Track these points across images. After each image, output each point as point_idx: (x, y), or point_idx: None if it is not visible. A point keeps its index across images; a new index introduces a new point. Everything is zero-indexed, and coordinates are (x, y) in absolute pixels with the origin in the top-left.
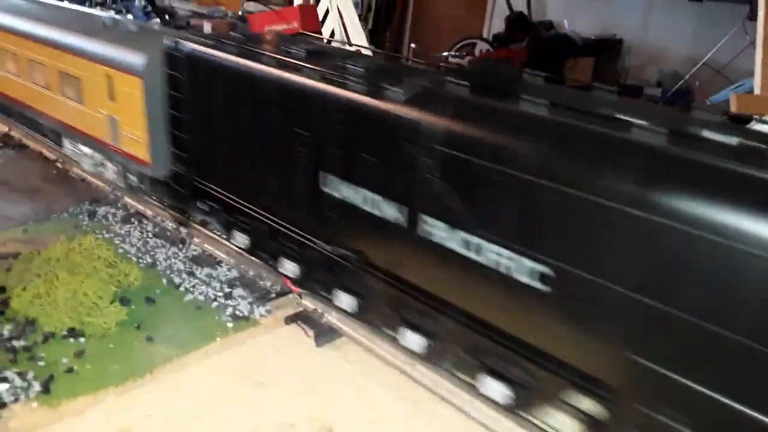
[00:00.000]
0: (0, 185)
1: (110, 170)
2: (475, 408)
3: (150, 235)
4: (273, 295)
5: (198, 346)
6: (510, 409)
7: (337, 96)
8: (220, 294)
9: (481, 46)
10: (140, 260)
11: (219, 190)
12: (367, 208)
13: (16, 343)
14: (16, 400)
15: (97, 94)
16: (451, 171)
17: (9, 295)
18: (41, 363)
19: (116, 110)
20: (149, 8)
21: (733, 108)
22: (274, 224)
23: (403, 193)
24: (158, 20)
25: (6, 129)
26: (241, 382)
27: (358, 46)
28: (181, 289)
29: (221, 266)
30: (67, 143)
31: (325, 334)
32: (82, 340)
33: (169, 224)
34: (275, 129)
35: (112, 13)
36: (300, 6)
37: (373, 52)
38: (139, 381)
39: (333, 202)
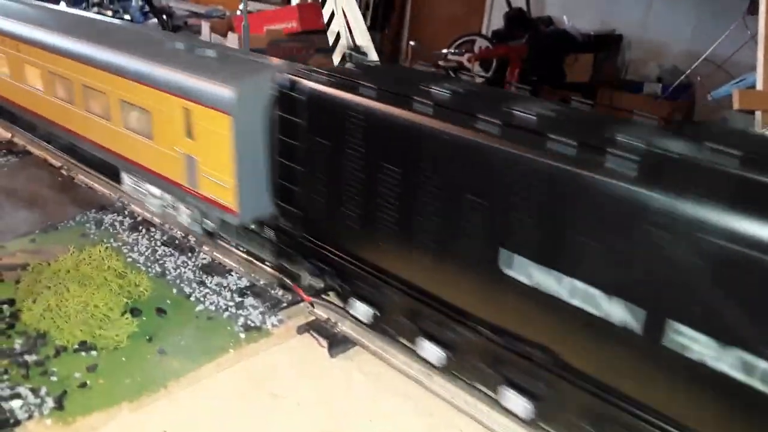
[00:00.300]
0: (5, 194)
1: (183, 214)
2: (493, 420)
3: (158, 243)
4: (285, 304)
5: (211, 358)
6: None
7: (536, 162)
8: (231, 303)
9: (480, 43)
10: (149, 269)
11: (338, 252)
12: (575, 302)
13: (29, 358)
14: (30, 417)
15: (171, 130)
16: (729, 271)
17: (19, 307)
18: (54, 378)
19: (195, 149)
20: (146, 8)
21: (736, 104)
22: (413, 299)
23: (641, 291)
24: (156, 21)
25: (9, 135)
26: (255, 395)
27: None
28: (192, 299)
29: (231, 275)
30: (127, 179)
31: (338, 344)
32: (94, 353)
33: (178, 232)
34: (431, 191)
35: (183, 40)
36: (298, 5)
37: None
38: (154, 395)
39: (518, 287)
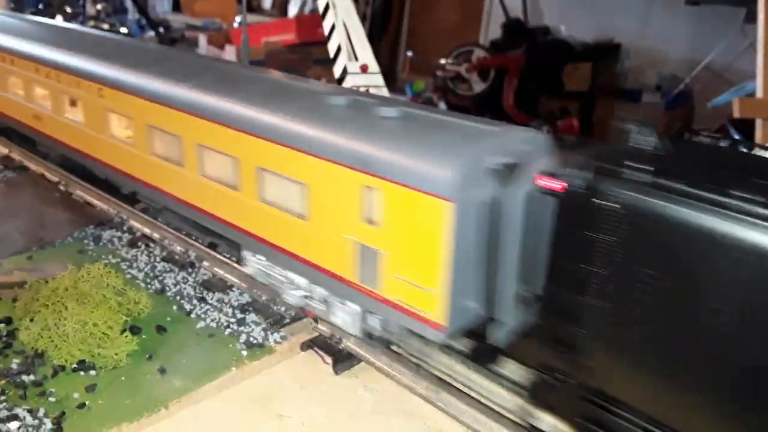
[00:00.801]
0: (3, 210)
1: (339, 312)
2: None
3: (158, 259)
4: (287, 320)
5: (213, 377)
6: None
7: None
8: (233, 320)
9: (478, 53)
10: (149, 286)
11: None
12: None
13: (26, 378)
14: None
15: (338, 211)
16: None
17: (16, 326)
18: (52, 399)
19: (380, 239)
20: (143, 21)
21: (736, 113)
22: None
23: None
24: (153, 33)
25: (6, 151)
26: (260, 415)
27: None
28: (193, 315)
29: (232, 290)
30: (252, 259)
31: (343, 360)
32: (93, 373)
33: (178, 247)
34: None
35: (342, 92)
36: (296, 17)
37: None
38: (154, 416)
39: None
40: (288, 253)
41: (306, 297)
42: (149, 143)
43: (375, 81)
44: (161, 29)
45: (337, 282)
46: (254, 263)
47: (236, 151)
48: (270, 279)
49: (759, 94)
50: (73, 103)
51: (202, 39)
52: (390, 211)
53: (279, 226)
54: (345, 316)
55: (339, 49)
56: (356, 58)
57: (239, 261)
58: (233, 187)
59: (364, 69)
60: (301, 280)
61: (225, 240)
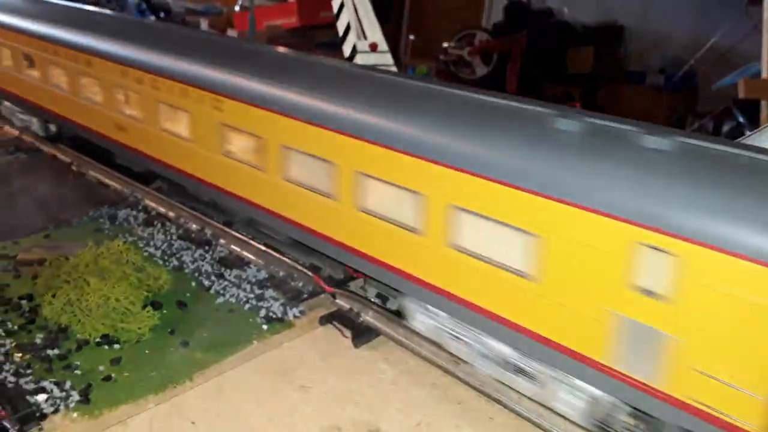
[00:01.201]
0: (17, 190)
1: (562, 396)
2: (524, 407)
3: (174, 237)
4: (305, 296)
5: (235, 350)
6: None
7: None
8: (252, 296)
9: (481, 37)
10: (167, 263)
11: None
12: None
13: (51, 352)
14: (56, 410)
15: (588, 274)
16: None
17: (38, 302)
18: (78, 372)
19: (665, 318)
20: (144, 6)
21: (742, 93)
22: None
23: None
24: (153, 18)
25: (17, 133)
26: (282, 386)
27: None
28: (212, 291)
29: (250, 267)
30: (424, 319)
31: (362, 334)
32: (117, 346)
33: (194, 225)
34: None
35: (571, 116)
36: (298, 0)
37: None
38: (179, 387)
39: None
40: (496, 316)
41: (506, 369)
42: (284, 166)
43: (385, 60)
44: (162, 14)
45: (579, 363)
46: (424, 322)
47: (425, 188)
48: (444, 338)
49: (764, 74)
50: (172, 114)
51: (204, 23)
52: (690, 282)
53: (485, 284)
54: (574, 401)
55: (348, 28)
56: (365, 37)
57: (400, 314)
58: (416, 230)
59: (373, 47)
60: (503, 349)
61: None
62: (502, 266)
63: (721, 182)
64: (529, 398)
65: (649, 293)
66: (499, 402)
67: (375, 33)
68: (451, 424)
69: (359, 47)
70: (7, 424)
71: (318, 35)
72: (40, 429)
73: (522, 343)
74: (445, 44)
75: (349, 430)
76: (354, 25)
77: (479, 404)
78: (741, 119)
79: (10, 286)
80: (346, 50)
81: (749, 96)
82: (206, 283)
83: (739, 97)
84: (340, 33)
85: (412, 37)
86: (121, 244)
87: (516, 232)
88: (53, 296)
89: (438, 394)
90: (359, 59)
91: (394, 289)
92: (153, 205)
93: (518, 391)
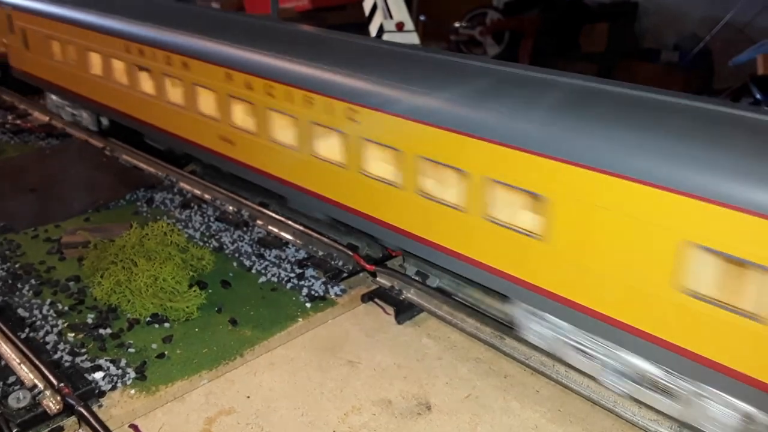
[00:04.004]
0: (53, 175)
1: (712, 415)
2: (571, 380)
3: (212, 219)
4: (345, 274)
5: (282, 327)
6: None
7: None
8: (293, 275)
9: (492, 16)
10: (206, 244)
11: None
12: None
13: (103, 331)
14: (114, 387)
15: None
16: None
17: (85, 283)
18: (131, 350)
19: None
20: None
21: (761, 69)
22: None
23: None
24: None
25: (47, 119)
26: (331, 361)
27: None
28: (253, 271)
29: (289, 247)
30: (532, 320)
31: (404, 310)
32: (167, 325)
33: (230, 207)
34: None
35: None
36: None
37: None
38: (231, 363)
39: None
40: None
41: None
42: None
43: (411, 39)
44: None
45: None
46: (542, 330)
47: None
48: (565, 351)
49: None
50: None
51: (215, 6)
52: None
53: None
54: (725, 419)
55: (374, 8)
56: (391, 17)
57: (442, 291)
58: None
59: (399, 27)
60: (642, 364)
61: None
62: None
63: None
64: (576, 370)
65: None
66: (544, 375)
67: (401, 12)
68: (499, 396)
69: (386, 27)
70: (71, 401)
71: (328, 18)
72: (100, 406)
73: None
74: (456, 24)
75: (399, 403)
76: (380, 4)
77: (524, 377)
78: (758, 96)
79: (56, 269)
80: (373, 30)
81: None
82: (247, 263)
83: (758, 74)
84: (366, 13)
85: (422, 17)
86: (165, 225)
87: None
88: (102, 277)
89: (484, 368)
90: (386, 39)
91: (434, 266)
92: (188, 187)
93: (567, 364)
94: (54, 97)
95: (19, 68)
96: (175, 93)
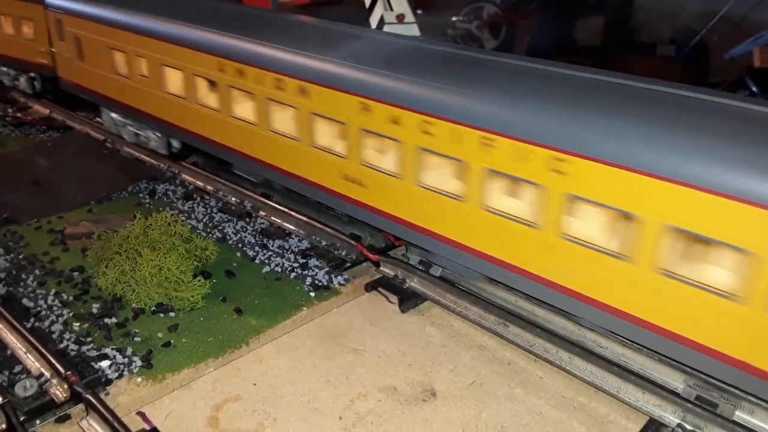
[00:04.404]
0: (55, 167)
1: None
2: (575, 366)
3: (214, 210)
4: (349, 264)
5: (286, 315)
6: None
7: None
8: (296, 265)
9: (489, 9)
10: (210, 235)
11: None
12: None
13: (108, 321)
14: (120, 375)
15: None
16: None
17: (90, 274)
18: (137, 339)
19: None
20: None
21: (757, 61)
22: None
23: None
24: None
25: (47, 111)
26: (336, 349)
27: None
28: (257, 261)
29: (292, 237)
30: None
31: (408, 299)
32: (172, 314)
33: (233, 198)
34: None
35: None
36: None
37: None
38: (237, 351)
39: None
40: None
41: None
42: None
43: (411, 30)
44: None
45: None
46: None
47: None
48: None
49: None
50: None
51: None
52: None
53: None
54: None
55: (374, 2)
56: (391, 8)
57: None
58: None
59: (400, 19)
60: None
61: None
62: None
63: None
64: (579, 358)
65: None
66: (548, 361)
67: (402, 4)
68: (503, 383)
69: (386, 18)
70: (78, 389)
71: (327, 13)
72: (107, 394)
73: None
74: (453, 18)
75: (405, 389)
76: None
77: (528, 364)
78: (754, 88)
79: (60, 259)
80: (373, 22)
81: (766, 64)
82: (250, 253)
83: (755, 66)
84: (367, 4)
85: (419, 11)
86: (168, 215)
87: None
88: (106, 267)
89: (488, 356)
90: (386, 30)
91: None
92: (190, 179)
93: (568, 351)
94: (114, 115)
95: (70, 80)
96: (283, 122)
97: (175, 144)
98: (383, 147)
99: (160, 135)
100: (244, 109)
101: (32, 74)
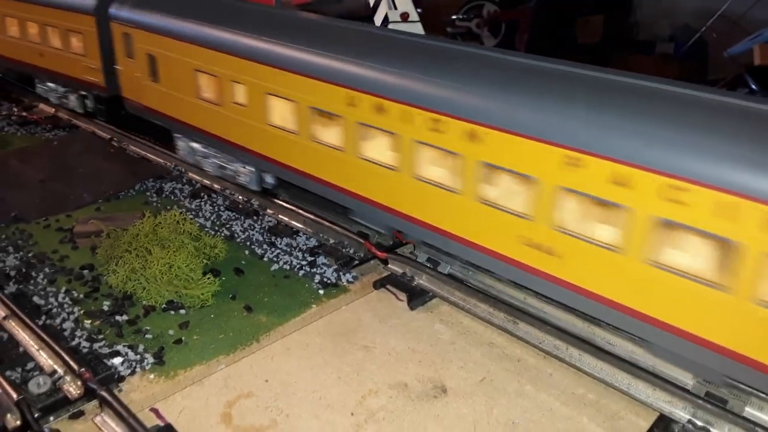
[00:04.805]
0: (62, 166)
1: None
2: (585, 363)
3: (222, 208)
4: (357, 261)
5: (296, 313)
6: None
7: None
8: (305, 263)
9: (489, 8)
10: (218, 233)
11: None
12: None
13: (119, 318)
14: (133, 372)
15: None
16: None
17: (100, 272)
18: (149, 336)
19: None
20: None
21: (757, 59)
22: None
23: None
24: None
25: (52, 111)
26: (346, 346)
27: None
28: (265, 259)
29: (300, 235)
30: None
31: (417, 296)
32: (182, 312)
33: (240, 197)
34: None
35: None
36: None
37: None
38: (248, 348)
39: None
40: None
41: None
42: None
43: (415, 29)
44: None
45: None
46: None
47: None
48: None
49: None
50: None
51: None
52: None
53: None
54: None
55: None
56: (395, 7)
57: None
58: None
59: (404, 17)
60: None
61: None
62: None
63: None
64: (589, 355)
65: None
66: (558, 358)
67: (406, 2)
68: (513, 380)
69: (391, 17)
70: (92, 386)
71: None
72: (120, 390)
73: None
74: (453, 16)
75: (415, 386)
76: None
77: (537, 361)
78: (754, 86)
79: (70, 257)
80: (378, 20)
81: (765, 62)
82: (259, 251)
83: (755, 63)
84: (371, 3)
85: (419, 9)
86: (177, 214)
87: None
88: (116, 265)
89: (497, 353)
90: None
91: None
92: (197, 177)
93: (578, 349)
94: (195, 144)
95: (138, 102)
96: (436, 170)
97: (269, 180)
98: (593, 212)
99: (252, 169)
100: (378, 150)
101: (83, 92)
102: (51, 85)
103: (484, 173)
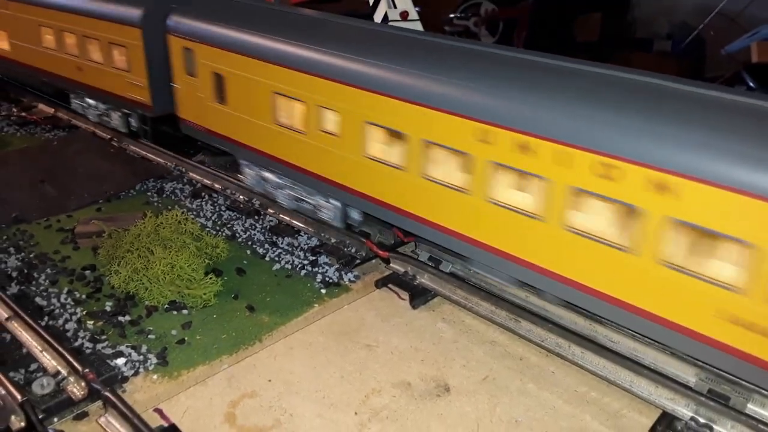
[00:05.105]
0: (62, 167)
1: None
2: (587, 361)
3: (223, 208)
4: (358, 261)
5: (299, 312)
6: None
7: None
8: (306, 262)
9: (486, 6)
10: (219, 233)
11: None
12: None
13: (122, 319)
14: (136, 373)
15: None
16: None
17: (102, 272)
18: (151, 336)
19: None
20: None
21: (755, 56)
22: None
23: None
24: None
25: (52, 111)
26: (349, 345)
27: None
28: (267, 259)
29: (301, 235)
30: None
31: (419, 295)
32: (185, 312)
33: (240, 196)
34: None
35: None
36: None
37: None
38: (251, 348)
39: None
40: None
41: None
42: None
43: (415, 28)
44: None
45: None
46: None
47: None
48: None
49: None
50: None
51: None
52: None
53: None
54: None
55: None
56: (395, 6)
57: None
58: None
59: (403, 16)
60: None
61: None
62: None
63: None
64: (591, 353)
65: None
66: (560, 356)
67: (405, 1)
68: (516, 378)
69: (390, 16)
70: (96, 386)
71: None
72: (123, 391)
73: None
74: (451, 15)
75: (418, 385)
76: None
77: (540, 359)
78: (751, 84)
79: (71, 258)
80: (377, 19)
81: (763, 59)
82: (260, 251)
83: (753, 61)
84: (371, 2)
85: (417, 8)
86: (178, 214)
87: None
88: (118, 265)
89: (500, 351)
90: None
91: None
92: (198, 177)
93: (580, 347)
94: (267, 173)
95: (197, 124)
96: (594, 222)
97: (355, 216)
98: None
99: (337, 204)
100: (515, 194)
101: (126, 111)
102: (90, 101)
103: (672, 234)
